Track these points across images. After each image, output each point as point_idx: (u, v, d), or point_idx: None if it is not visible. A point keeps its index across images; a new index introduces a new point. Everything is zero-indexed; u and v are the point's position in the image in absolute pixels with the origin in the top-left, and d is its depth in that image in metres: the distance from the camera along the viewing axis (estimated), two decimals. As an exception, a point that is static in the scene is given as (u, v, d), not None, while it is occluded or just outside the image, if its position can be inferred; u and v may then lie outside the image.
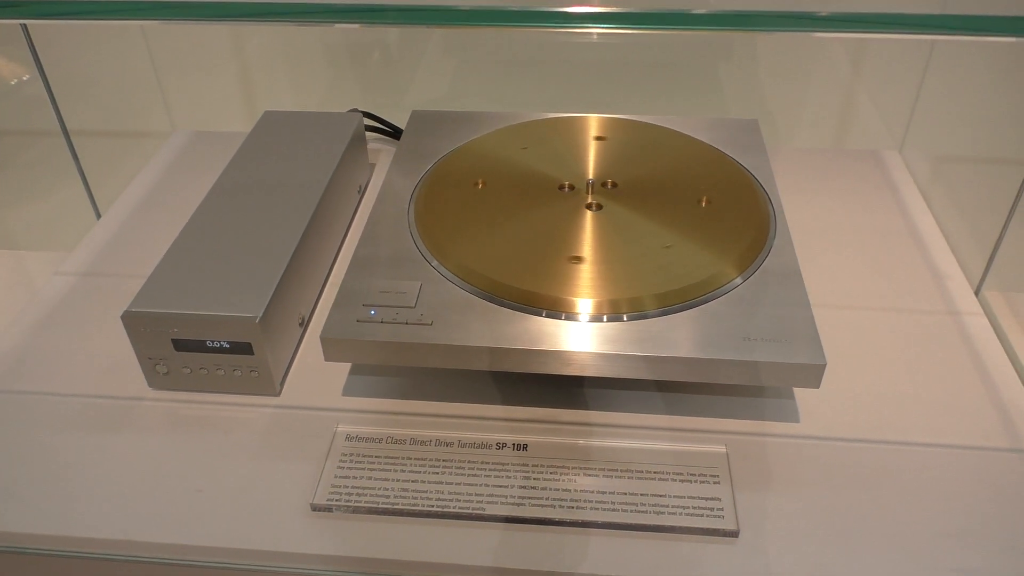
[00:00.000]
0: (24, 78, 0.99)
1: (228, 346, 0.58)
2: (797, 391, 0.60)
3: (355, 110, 0.85)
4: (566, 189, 0.67)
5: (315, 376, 0.63)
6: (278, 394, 0.61)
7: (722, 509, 0.52)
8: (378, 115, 0.89)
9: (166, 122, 1.03)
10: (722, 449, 0.56)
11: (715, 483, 0.54)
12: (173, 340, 0.58)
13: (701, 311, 0.57)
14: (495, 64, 1.02)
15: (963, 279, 0.70)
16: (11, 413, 0.60)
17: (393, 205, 0.67)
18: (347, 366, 0.63)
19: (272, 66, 1.00)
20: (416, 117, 0.79)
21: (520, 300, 0.58)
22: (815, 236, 0.74)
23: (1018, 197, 0.82)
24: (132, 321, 0.58)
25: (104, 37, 0.98)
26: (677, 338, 0.55)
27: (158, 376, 0.61)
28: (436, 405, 0.60)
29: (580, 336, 0.55)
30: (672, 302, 0.57)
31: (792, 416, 0.59)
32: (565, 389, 0.61)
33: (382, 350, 0.56)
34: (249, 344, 0.58)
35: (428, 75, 1.00)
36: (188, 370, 0.60)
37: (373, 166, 0.85)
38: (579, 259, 0.60)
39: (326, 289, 0.70)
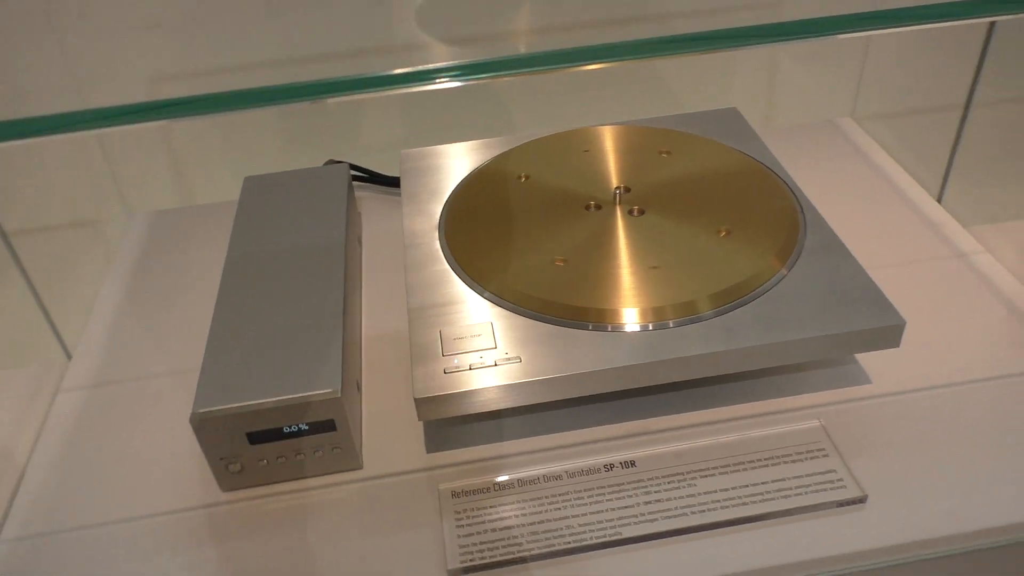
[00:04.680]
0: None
1: (307, 428, 0.55)
2: (858, 355, 0.63)
3: (332, 161, 0.82)
4: (592, 207, 0.68)
5: (388, 440, 0.60)
6: (362, 466, 0.58)
7: (841, 479, 0.54)
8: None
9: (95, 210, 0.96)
10: (816, 423, 0.58)
11: (824, 456, 0.56)
12: (248, 434, 0.54)
13: (766, 299, 0.59)
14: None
15: (955, 223, 0.75)
16: (79, 552, 0.54)
17: (423, 250, 0.66)
18: (418, 424, 0.61)
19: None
20: (407, 157, 0.77)
21: (598, 319, 0.57)
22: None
23: (958, 137, 0.90)
24: (203, 423, 0.53)
25: None
26: (759, 327, 0.56)
27: (230, 476, 0.56)
28: (522, 443, 0.59)
29: (670, 342, 0.56)
30: (741, 294, 0.58)
31: (863, 379, 0.61)
32: (642, 399, 0.61)
33: (481, 397, 0.54)
34: (332, 421, 0.55)
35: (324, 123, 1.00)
36: (264, 462, 0.56)
37: (360, 214, 0.82)
38: (655, 267, 0.61)
39: (363, 349, 0.68)
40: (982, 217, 0.82)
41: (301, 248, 0.67)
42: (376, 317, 0.70)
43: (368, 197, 0.86)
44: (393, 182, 0.85)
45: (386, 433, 0.61)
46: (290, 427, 0.55)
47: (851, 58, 0.98)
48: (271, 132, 1.03)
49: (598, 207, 0.67)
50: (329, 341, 0.58)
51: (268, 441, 0.55)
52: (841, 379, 0.61)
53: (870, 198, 0.79)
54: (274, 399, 0.54)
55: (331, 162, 0.82)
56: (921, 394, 0.60)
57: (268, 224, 0.70)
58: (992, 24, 0.86)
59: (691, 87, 1.09)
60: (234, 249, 0.68)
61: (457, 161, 0.76)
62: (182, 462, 0.59)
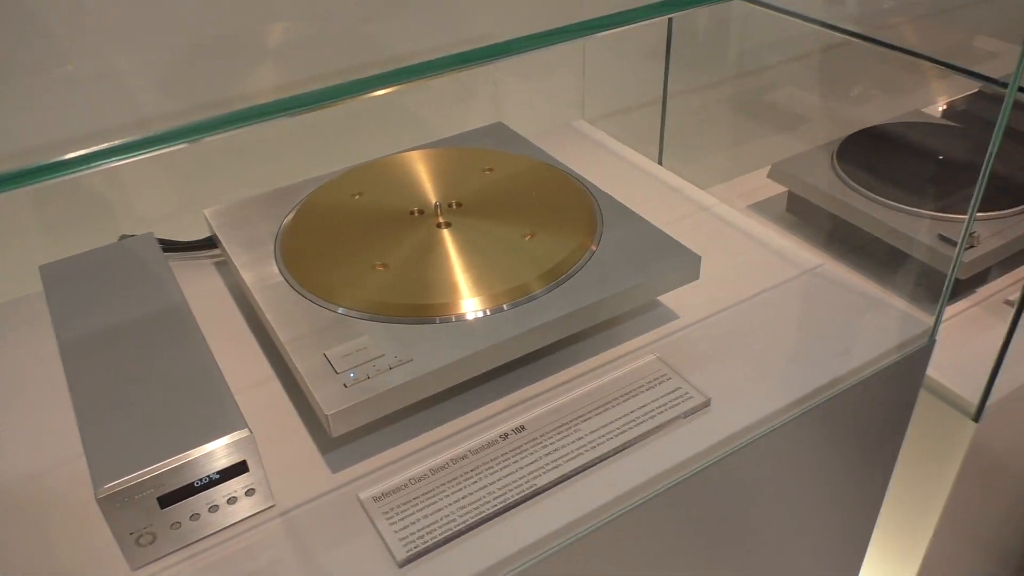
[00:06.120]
0: None
1: (219, 476, 0.55)
2: (662, 299, 0.76)
3: (125, 236, 0.79)
4: (432, 223, 0.74)
5: (287, 474, 0.61)
6: (275, 503, 0.58)
7: (688, 393, 0.66)
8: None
9: None
10: (652, 357, 0.70)
11: (668, 380, 0.67)
12: (159, 499, 0.53)
13: (587, 270, 0.69)
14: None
15: (693, 187, 0.93)
16: None
17: (273, 292, 0.67)
18: (313, 451, 0.63)
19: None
20: (214, 215, 0.77)
21: (450, 312, 0.64)
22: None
23: (663, 124, 1.09)
24: (110, 500, 0.51)
25: None
26: (589, 292, 0.66)
27: (141, 550, 0.54)
28: (418, 440, 0.63)
29: (524, 317, 0.64)
30: (565, 270, 0.68)
31: (673, 316, 0.74)
32: (510, 375, 0.68)
33: (390, 398, 0.58)
34: (244, 462, 0.55)
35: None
36: (178, 524, 0.54)
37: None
38: (472, 266, 0.68)
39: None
40: (698, 183, 1.02)
41: (143, 316, 0.65)
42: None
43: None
44: (190, 247, 0.83)
45: (281, 469, 0.61)
46: (201, 480, 0.54)
47: (568, 70, 1.14)
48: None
49: (444, 225, 0.73)
50: (214, 388, 0.58)
51: (180, 500, 0.54)
52: (657, 320, 0.74)
53: (627, 178, 0.94)
54: (184, 453, 0.53)
55: (124, 237, 0.79)
56: (721, 315, 0.74)
57: (92, 303, 0.67)
58: (670, 20, 1.06)
59: (431, 115, 1.19)
60: (64, 333, 0.64)
61: (262, 208, 0.78)
62: (69, 560, 0.55)
